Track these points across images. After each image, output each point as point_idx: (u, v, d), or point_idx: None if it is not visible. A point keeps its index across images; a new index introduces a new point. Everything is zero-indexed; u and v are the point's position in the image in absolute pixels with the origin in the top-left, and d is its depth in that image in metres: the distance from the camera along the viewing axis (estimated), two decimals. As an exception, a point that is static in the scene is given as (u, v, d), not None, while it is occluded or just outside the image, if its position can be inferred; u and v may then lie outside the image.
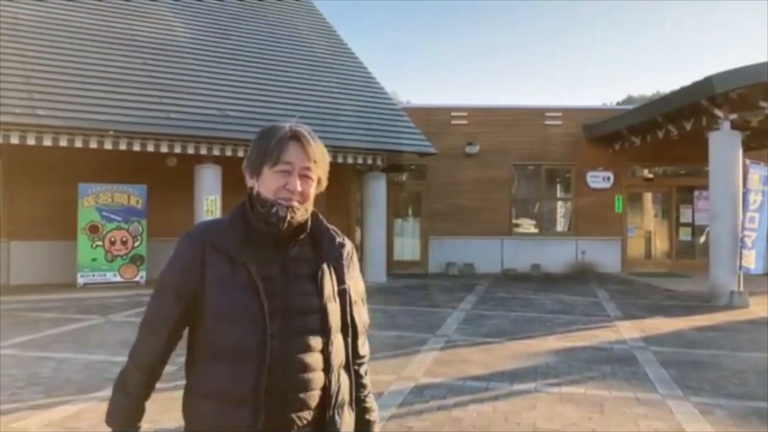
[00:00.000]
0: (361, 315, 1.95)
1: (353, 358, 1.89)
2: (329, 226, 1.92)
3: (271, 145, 1.78)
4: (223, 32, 16.58)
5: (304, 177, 1.80)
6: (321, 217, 1.91)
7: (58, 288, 12.85)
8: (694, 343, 8.57)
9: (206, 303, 1.76)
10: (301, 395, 1.74)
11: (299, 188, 1.78)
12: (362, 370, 1.97)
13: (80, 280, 13.10)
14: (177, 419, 5.28)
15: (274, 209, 1.75)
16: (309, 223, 1.85)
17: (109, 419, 1.87)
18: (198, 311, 1.78)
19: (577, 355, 7.71)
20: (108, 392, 5.48)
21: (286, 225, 1.76)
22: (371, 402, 1.99)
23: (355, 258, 1.99)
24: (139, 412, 1.89)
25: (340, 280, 1.86)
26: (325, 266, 1.83)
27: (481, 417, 5.31)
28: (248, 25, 17.50)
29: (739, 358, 7.64)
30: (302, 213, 1.80)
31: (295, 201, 1.77)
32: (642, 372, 6.90)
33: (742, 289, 11.90)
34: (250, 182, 1.84)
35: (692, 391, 6.14)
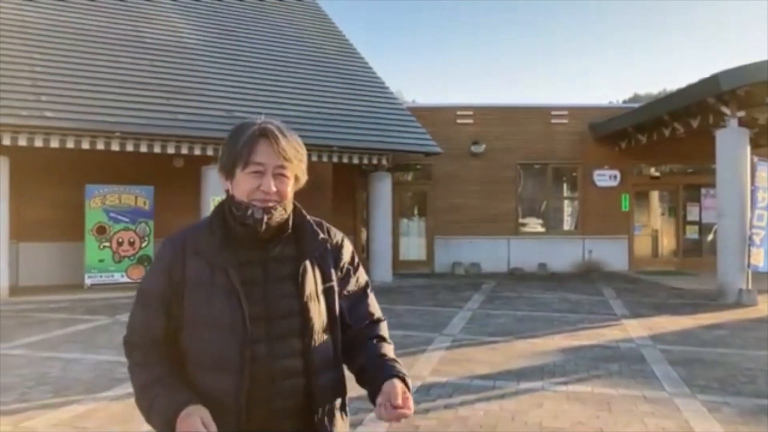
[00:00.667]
0: (373, 306, 1.90)
1: (374, 338, 1.83)
2: (313, 219, 1.84)
3: (239, 146, 1.71)
4: (230, 33, 16.63)
5: (279, 176, 1.72)
6: (304, 212, 1.83)
7: (66, 289, 12.92)
8: (702, 341, 8.54)
9: (187, 308, 1.70)
10: (288, 401, 1.69)
11: (274, 188, 1.70)
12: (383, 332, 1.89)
13: (88, 281, 13.16)
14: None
15: (249, 211, 1.69)
16: (290, 221, 1.78)
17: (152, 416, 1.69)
18: (180, 316, 1.71)
19: (583, 353, 7.70)
20: (116, 392, 5.49)
21: (264, 227, 1.70)
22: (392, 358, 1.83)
23: (347, 250, 1.90)
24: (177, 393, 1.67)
25: (325, 278, 1.79)
26: (307, 264, 1.76)
27: (487, 416, 5.31)
28: (254, 26, 17.54)
29: (747, 356, 7.61)
30: (280, 212, 1.73)
31: (271, 202, 1.70)
32: (649, 370, 6.88)
33: (750, 287, 11.85)
34: (225, 184, 1.78)
35: (700, 389, 6.12)
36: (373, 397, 1.71)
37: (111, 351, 7.72)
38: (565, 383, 6.35)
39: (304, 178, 1.80)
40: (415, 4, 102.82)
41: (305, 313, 1.72)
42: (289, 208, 1.77)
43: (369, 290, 1.93)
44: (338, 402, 1.79)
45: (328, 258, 1.81)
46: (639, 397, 5.87)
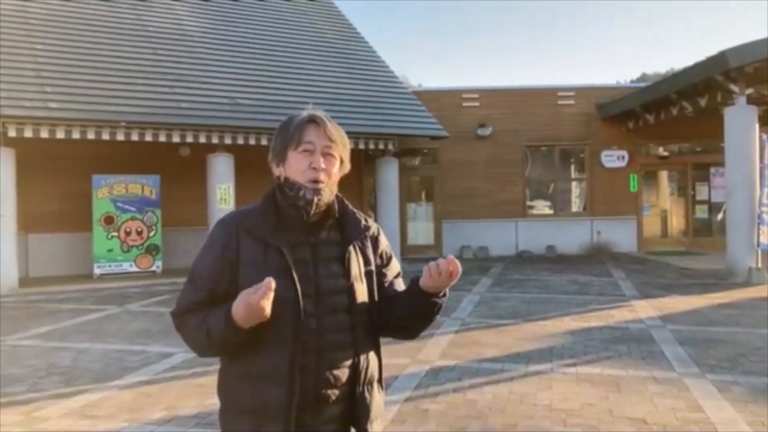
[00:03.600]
0: (401, 289, 2.01)
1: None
2: (353, 209, 2.00)
3: (291, 131, 1.89)
4: (232, 21, 16.56)
5: (327, 155, 1.88)
6: (346, 201, 1.98)
7: (76, 279, 12.99)
8: (712, 320, 8.50)
9: (241, 286, 1.78)
10: (335, 371, 1.81)
11: (323, 165, 1.86)
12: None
13: (97, 271, 13.22)
14: (195, 405, 5.37)
15: (301, 192, 1.83)
16: (336, 207, 1.93)
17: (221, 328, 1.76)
18: (233, 295, 1.79)
19: (593, 335, 7.68)
20: (126, 381, 5.53)
21: (313, 208, 1.84)
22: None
23: (384, 239, 2.06)
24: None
25: (367, 262, 1.94)
26: (351, 248, 1.91)
27: (496, 399, 5.31)
28: (257, 12, 17.45)
29: (757, 334, 7.57)
30: (328, 194, 1.87)
31: (321, 180, 1.84)
32: (658, 351, 6.86)
33: (760, 265, 11.79)
34: (276, 171, 1.93)
35: (709, 369, 6.10)
36: (415, 291, 1.87)
37: (121, 340, 7.77)
38: (574, 365, 6.33)
39: (347, 164, 1.96)
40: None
41: (352, 292, 1.86)
42: (335, 191, 1.92)
43: (401, 275, 2.08)
44: (376, 375, 1.94)
45: (368, 245, 1.97)
46: (649, 377, 5.86)
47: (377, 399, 1.92)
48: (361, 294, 1.89)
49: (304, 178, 1.84)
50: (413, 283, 1.89)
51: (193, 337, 1.85)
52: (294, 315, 1.76)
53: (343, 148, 1.92)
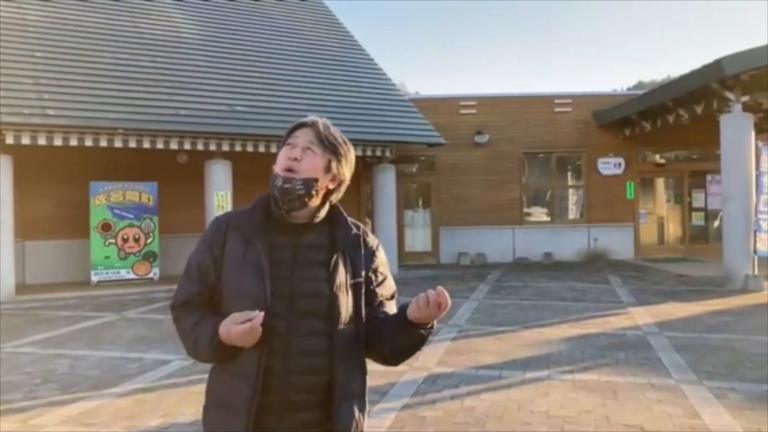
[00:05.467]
0: (392, 311, 1.94)
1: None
2: (353, 220, 1.97)
3: (287, 133, 1.93)
4: (228, 27, 16.59)
5: (308, 150, 1.86)
6: (341, 209, 1.96)
7: (73, 286, 12.96)
8: (709, 327, 8.52)
9: (223, 281, 1.86)
10: (304, 378, 1.78)
11: (299, 156, 1.84)
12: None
13: (94, 278, 13.20)
14: (193, 413, 5.36)
15: (275, 180, 1.84)
16: (324, 210, 1.91)
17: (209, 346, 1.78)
18: (217, 289, 1.87)
19: (590, 342, 7.69)
20: (123, 388, 5.51)
21: (282, 195, 1.81)
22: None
23: (381, 256, 2.00)
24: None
25: (356, 273, 1.89)
26: (338, 255, 1.87)
27: (494, 406, 5.31)
28: (255, 19, 17.49)
29: (754, 341, 7.59)
30: (302, 186, 1.81)
31: (294, 168, 1.83)
32: (656, 357, 6.87)
33: (756, 272, 11.81)
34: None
35: (707, 376, 6.11)
36: (402, 321, 1.81)
37: (118, 347, 7.76)
38: (572, 372, 6.34)
39: (343, 174, 1.91)
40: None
41: (334, 299, 1.82)
42: (318, 188, 1.84)
43: (395, 298, 2.02)
44: (357, 391, 1.88)
45: (361, 257, 1.92)
46: (646, 384, 5.87)
47: (357, 416, 1.85)
48: (344, 304, 1.84)
49: (278, 168, 1.86)
50: (402, 311, 1.82)
51: (184, 338, 1.88)
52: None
53: (332, 152, 1.88)
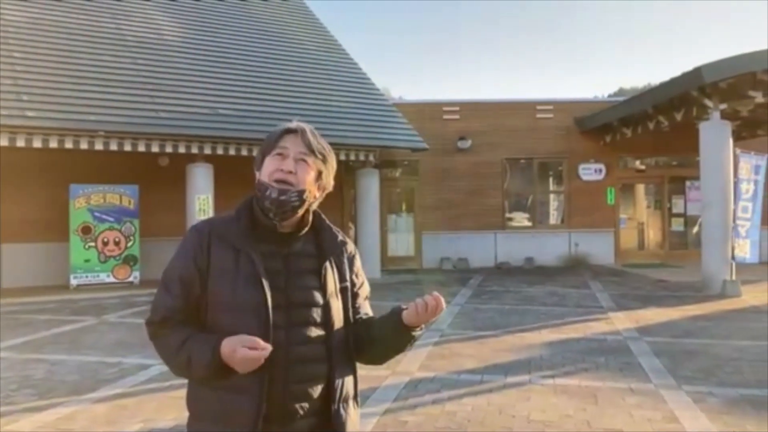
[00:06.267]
0: (369, 312, 2.03)
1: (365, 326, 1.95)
2: (330, 224, 1.98)
3: (272, 139, 1.89)
4: (213, 30, 16.52)
5: (300, 161, 1.85)
6: (323, 216, 1.97)
7: (52, 290, 12.81)
8: (687, 332, 8.61)
9: (211, 292, 1.80)
10: (304, 386, 1.79)
11: (293, 169, 1.83)
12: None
13: (73, 282, 13.05)
14: (174, 418, 5.31)
15: (267, 191, 1.81)
16: (310, 217, 1.91)
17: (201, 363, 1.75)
18: (203, 301, 1.81)
19: (570, 346, 7.73)
20: (101, 394, 5.43)
21: (277, 207, 1.80)
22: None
23: (358, 259, 2.05)
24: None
25: (342, 278, 1.93)
26: (327, 263, 1.89)
27: (475, 410, 5.32)
28: (238, 22, 17.43)
29: (731, 346, 7.68)
30: (297, 199, 1.82)
31: (289, 181, 1.81)
32: (635, 362, 6.93)
33: (734, 277, 11.95)
34: (257, 179, 1.91)
35: (685, 380, 6.17)
36: (395, 323, 1.85)
37: (97, 352, 7.68)
38: (553, 376, 6.37)
39: (328, 182, 1.94)
40: (401, 1, 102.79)
41: (328, 306, 1.85)
42: (309, 199, 1.86)
43: (368, 298, 2.08)
44: (352, 392, 1.91)
45: (345, 261, 1.95)
46: (626, 389, 5.91)
47: (353, 416, 1.89)
48: (337, 309, 1.87)
49: (271, 179, 1.82)
50: (394, 314, 1.86)
51: (170, 355, 1.81)
52: (263, 325, 1.74)
53: (321, 162, 1.89)
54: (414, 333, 1.87)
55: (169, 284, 1.84)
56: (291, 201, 1.81)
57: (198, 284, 1.81)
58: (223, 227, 1.86)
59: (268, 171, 1.84)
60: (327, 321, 1.84)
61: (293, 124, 1.90)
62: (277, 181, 1.81)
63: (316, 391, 1.81)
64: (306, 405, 1.79)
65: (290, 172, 1.82)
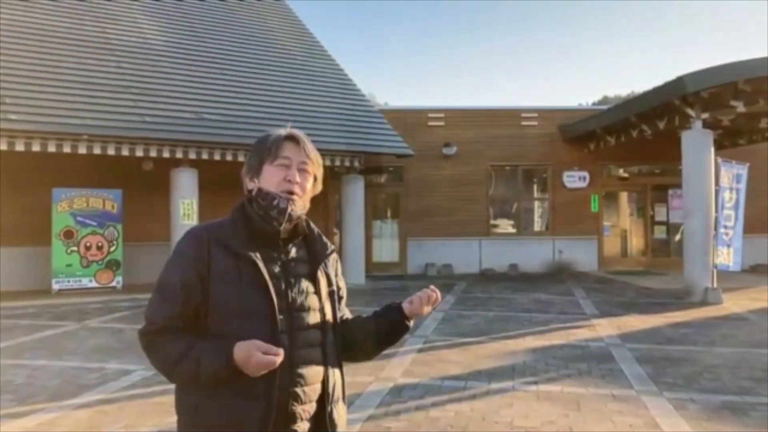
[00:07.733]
0: (347, 313, 2.12)
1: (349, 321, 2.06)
2: (317, 230, 2.03)
3: (268, 145, 1.90)
4: (198, 34, 16.49)
5: (302, 171, 1.91)
6: (310, 221, 2.01)
7: (33, 294, 12.68)
8: (669, 339, 8.68)
9: (213, 299, 1.78)
10: (305, 388, 1.82)
11: (298, 179, 1.88)
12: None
13: (55, 286, 12.92)
14: (155, 424, 5.26)
15: (275, 201, 1.84)
16: (304, 223, 1.96)
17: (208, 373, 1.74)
18: (203, 307, 1.79)
19: (554, 353, 7.77)
20: (82, 399, 5.36)
21: (286, 218, 1.85)
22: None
23: (339, 263, 2.13)
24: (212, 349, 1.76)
25: (329, 282, 1.98)
26: (320, 268, 1.96)
27: (458, 416, 5.33)
28: (223, 27, 17.40)
29: (712, 353, 7.76)
30: (300, 207, 1.89)
31: (296, 192, 1.87)
32: (618, 369, 6.97)
33: (716, 285, 12.07)
34: (250, 185, 1.92)
35: (667, 387, 6.22)
36: (391, 318, 2.02)
37: (78, 357, 7.60)
38: (536, 383, 6.40)
39: (320, 183, 2.00)
40: (386, 7, 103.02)
41: (323, 309, 1.91)
42: (308, 206, 1.94)
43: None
44: (341, 392, 1.97)
45: (330, 265, 2.01)
46: (608, 395, 5.95)
47: (343, 417, 1.95)
48: (329, 312, 1.93)
49: (278, 190, 1.86)
50: (392, 309, 2.00)
51: (170, 365, 1.76)
52: (270, 331, 1.75)
53: (317, 167, 1.96)
54: (407, 322, 2.01)
55: (166, 292, 1.81)
56: (298, 211, 1.88)
57: (199, 290, 1.79)
58: (221, 233, 1.85)
59: (273, 180, 1.87)
60: (323, 324, 1.90)
61: (293, 132, 1.94)
62: (285, 192, 1.86)
63: (316, 393, 1.85)
64: (307, 407, 1.83)
65: (297, 183, 1.88)
